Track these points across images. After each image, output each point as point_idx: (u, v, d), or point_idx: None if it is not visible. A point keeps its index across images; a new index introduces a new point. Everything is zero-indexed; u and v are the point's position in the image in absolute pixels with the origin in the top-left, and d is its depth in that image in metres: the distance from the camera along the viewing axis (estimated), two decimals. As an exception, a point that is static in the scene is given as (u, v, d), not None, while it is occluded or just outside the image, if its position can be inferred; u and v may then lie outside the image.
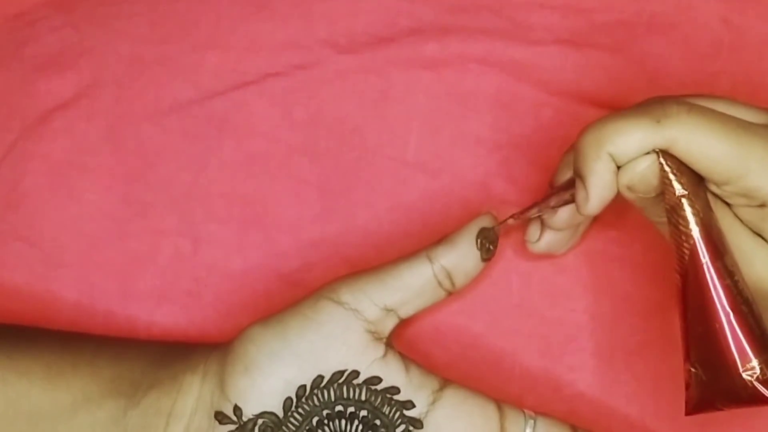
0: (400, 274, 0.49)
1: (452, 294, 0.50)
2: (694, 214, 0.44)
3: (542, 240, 0.53)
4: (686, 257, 0.44)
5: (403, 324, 0.51)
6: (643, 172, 0.45)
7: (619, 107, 0.55)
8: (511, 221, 0.51)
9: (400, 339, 0.53)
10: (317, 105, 0.57)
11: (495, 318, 0.55)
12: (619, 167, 0.45)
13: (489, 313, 0.55)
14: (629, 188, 0.46)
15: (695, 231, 0.44)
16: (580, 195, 0.46)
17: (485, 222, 0.50)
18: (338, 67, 0.57)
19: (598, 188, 0.46)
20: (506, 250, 0.55)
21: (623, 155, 0.45)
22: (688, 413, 0.45)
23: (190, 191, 0.56)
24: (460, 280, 0.50)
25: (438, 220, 0.56)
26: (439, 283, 0.49)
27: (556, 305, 0.55)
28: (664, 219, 0.46)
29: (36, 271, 0.56)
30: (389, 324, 0.50)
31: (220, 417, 0.48)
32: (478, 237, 0.50)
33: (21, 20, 0.58)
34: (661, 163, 0.44)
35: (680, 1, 0.57)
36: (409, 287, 0.49)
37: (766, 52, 0.56)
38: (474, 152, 0.56)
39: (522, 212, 0.51)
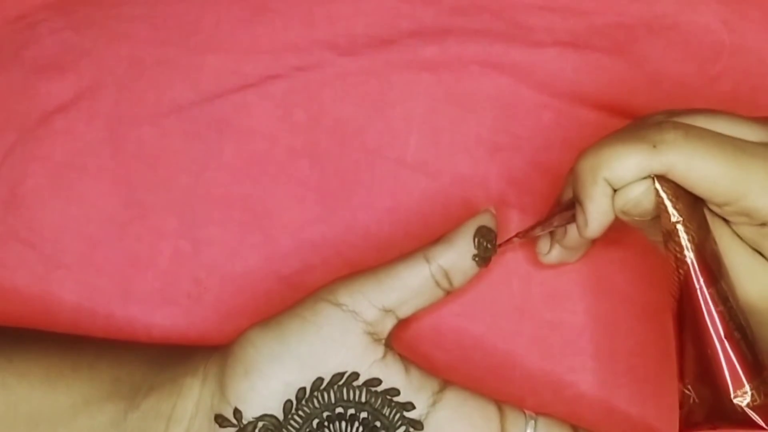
0: (397, 274, 0.49)
1: (450, 293, 0.50)
2: (689, 241, 0.45)
3: (553, 252, 0.53)
4: (681, 281, 0.45)
5: (403, 325, 0.51)
6: (638, 197, 0.45)
7: (618, 109, 0.55)
8: (516, 240, 0.51)
9: (401, 341, 0.53)
10: (317, 107, 0.57)
11: (495, 320, 0.55)
12: (615, 191, 0.46)
13: (489, 316, 0.55)
14: (624, 212, 0.46)
15: (689, 257, 0.44)
16: (579, 219, 0.47)
17: (483, 221, 0.50)
18: (338, 69, 0.57)
19: (596, 213, 0.46)
20: (506, 253, 0.55)
21: (619, 180, 0.45)
22: (681, 431, 0.46)
23: (190, 193, 0.56)
24: (457, 280, 0.50)
25: (438, 221, 0.56)
26: (437, 283, 0.49)
27: (557, 307, 0.55)
28: (657, 240, 0.46)
29: (36, 272, 0.56)
30: (388, 325, 0.50)
31: (220, 420, 0.48)
32: (475, 236, 0.50)
33: (21, 23, 0.58)
34: (656, 189, 0.45)
35: (681, 3, 0.57)
36: (406, 287, 0.49)
37: (767, 54, 0.56)
38: (474, 154, 0.56)
39: (526, 232, 0.51)
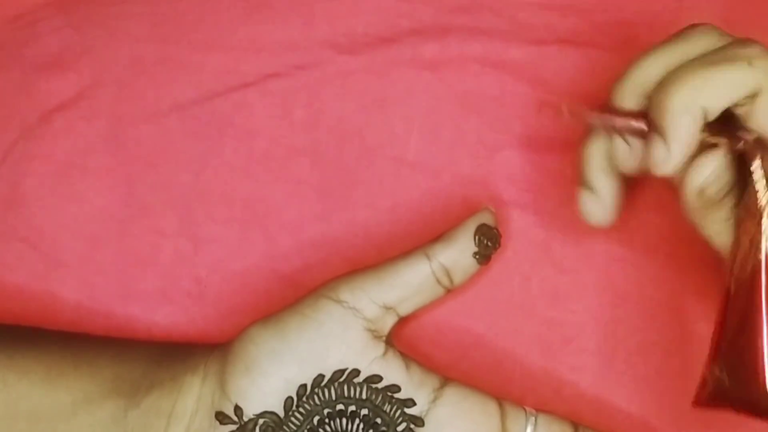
0: (398, 271, 0.49)
1: (451, 291, 0.50)
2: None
3: (595, 209, 0.49)
4: (747, 270, 0.43)
5: (404, 324, 0.51)
6: (721, 171, 0.44)
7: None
8: (565, 111, 0.47)
9: (401, 340, 0.53)
10: (318, 105, 0.57)
11: (496, 319, 0.55)
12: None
13: (490, 314, 0.55)
14: (701, 189, 0.44)
15: (765, 249, 0.43)
16: (658, 151, 0.44)
17: (483, 219, 0.50)
18: (339, 68, 0.57)
19: (683, 146, 0.44)
20: (507, 251, 0.55)
21: (717, 106, 0.43)
22: (696, 405, 0.45)
23: (190, 192, 0.56)
24: (458, 277, 0.50)
25: (439, 220, 0.55)
26: (438, 281, 0.50)
27: (557, 306, 0.55)
28: (717, 229, 0.45)
29: (36, 271, 0.56)
30: (389, 322, 0.50)
31: (221, 417, 0.48)
32: (476, 234, 0.50)
33: (21, 21, 0.58)
34: (753, 167, 0.43)
35: (681, 0, 0.57)
36: (407, 285, 0.49)
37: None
38: (474, 152, 0.56)
39: (580, 110, 0.47)
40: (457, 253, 0.50)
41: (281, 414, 0.48)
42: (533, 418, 0.50)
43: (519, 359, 0.55)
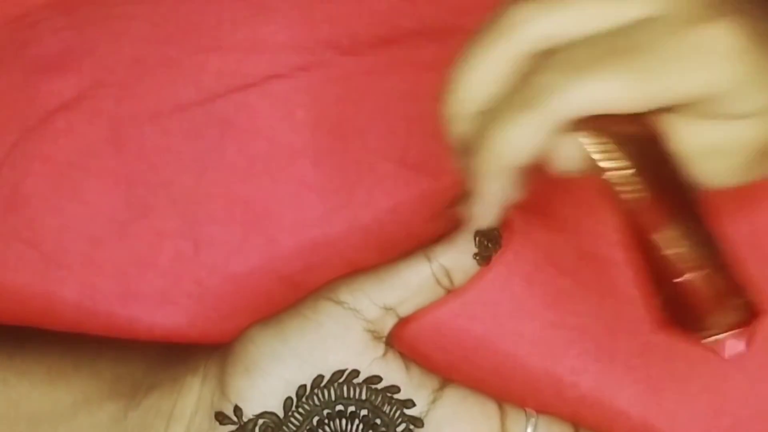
0: (398, 272, 0.49)
1: (451, 292, 0.50)
2: (628, 192, 0.41)
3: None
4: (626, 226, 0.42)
5: (404, 324, 0.51)
6: (568, 161, 0.42)
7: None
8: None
9: (402, 341, 0.53)
10: (319, 106, 0.57)
11: (497, 320, 0.55)
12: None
13: (490, 316, 0.55)
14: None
15: (627, 207, 0.42)
16: (469, 216, 0.45)
17: (484, 219, 0.50)
18: (340, 69, 0.57)
19: (492, 206, 0.44)
20: (508, 253, 0.55)
21: (528, 154, 0.41)
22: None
23: (191, 193, 0.56)
24: (458, 278, 0.50)
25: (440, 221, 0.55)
26: (438, 282, 0.49)
27: (558, 308, 0.55)
28: None
29: (37, 272, 0.56)
30: (388, 323, 0.50)
31: (221, 417, 0.48)
32: (476, 235, 0.50)
33: (22, 22, 0.58)
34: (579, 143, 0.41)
35: None
36: (407, 286, 0.49)
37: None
38: (476, 154, 0.56)
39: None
40: (458, 254, 0.50)
41: (281, 414, 0.48)
42: (533, 420, 0.50)
43: (520, 361, 0.55)
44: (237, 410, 0.48)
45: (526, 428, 0.50)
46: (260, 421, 0.48)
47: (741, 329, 0.40)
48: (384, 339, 0.50)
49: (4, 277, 0.56)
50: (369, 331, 0.49)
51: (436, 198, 0.56)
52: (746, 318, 0.40)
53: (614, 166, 0.41)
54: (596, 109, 0.40)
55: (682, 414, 0.53)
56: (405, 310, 0.50)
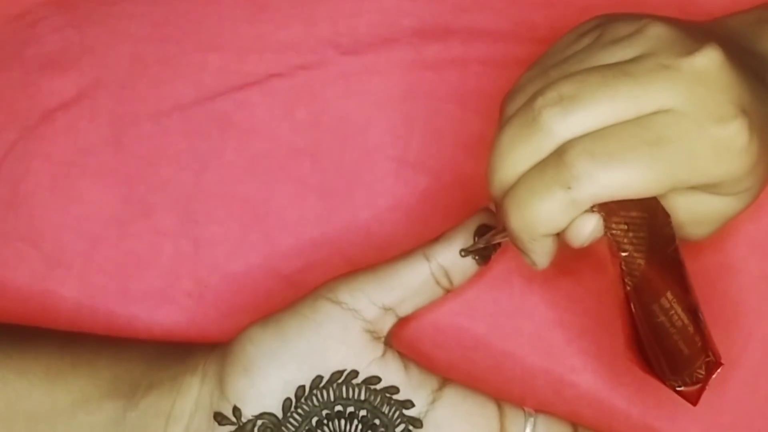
0: (397, 272, 0.49)
1: (450, 291, 0.50)
2: (629, 275, 0.45)
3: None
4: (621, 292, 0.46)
5: (403, 324, 0.51)
6: (587, 236, 0.45)
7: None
8: (462, 254, 0.50)
9: (401, 340, 0.53)
10: (319, 105, 0.57)
11: (496, 319, 0.55)
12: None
13: (490, 315, 0.55)
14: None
15: (629, 285, 0.45)
16: (527, 259, 0.46)
17: (483, 219, 0.50)
18: (340, 68, 0.57)
19: (543, 257, 0.46)
20: (507, 252, 0.55)
21: (556, 229, 0.44)
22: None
23: (191, 192, 0.56)
24: (457, 278, 0.50)
25: (439, 220, 0.55)
26: (437, 281, 0.49)
27: (558, 306, 0.55)
28: None
29: (37, 271, 0.56)
30: (388, 323, 0.50)
31: (220, 418, 0.48)
32: (475, 234, 0.50)
33: (22, 20, 0.58)
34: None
35: (683, -3, 0.57)
36: (406, 286, 0.49)
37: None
38: (476, 153, 0.56)
39: (469, 248, 0.50)
40: (457, 254, 0.50)
41: (280, 415, 0.48)
42: (532, 419, 0.50)
43: (519, 360, 0.55)
44: (236, 411, 0.48)
45: (525, 428, 0.50)
46: (259, 422, 0.48)
47: (705, 381, 0.45)
48: (383, 339, 0.49)
49: (4, 275, 0.56)
50: (368, 331, 0.49)
51: (435, 197, 0.56)
52: (711, 372, 0.45)
53: (624, 241, 0.45)
54: (623, 195, 0.43)
55: (682, 414, 0.53)
56: (404, 310, 0.50)
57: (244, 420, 0.48)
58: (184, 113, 0.57)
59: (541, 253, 0.45)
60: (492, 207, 0.51)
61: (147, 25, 0.57)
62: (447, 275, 0.49)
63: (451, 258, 0.49)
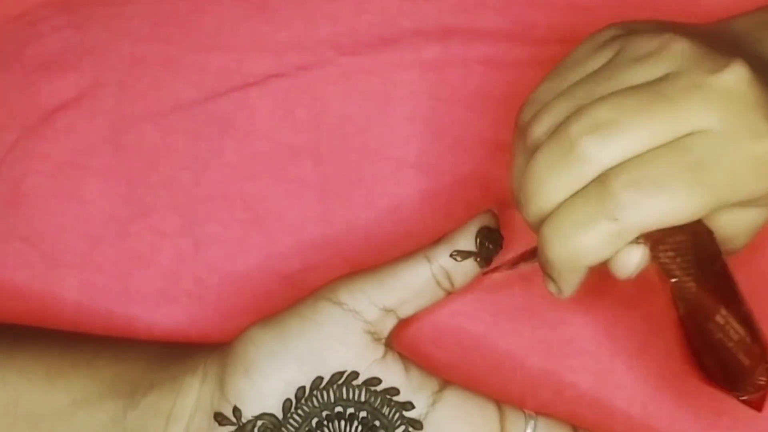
0: (398, 274, 0.49)
1: (452, 293, 0.50)
2: (680, 299, 0.46)
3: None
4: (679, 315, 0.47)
5: (404, 325, 0.51)
6: (634, 268, 0.44)
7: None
8: (458, 258, 0.50)
9: (401, 340, 0.53)
10: (319, 106, 0.57)
11: (496, 320, 0.55)
12: None
13: (490, 315, 0.55)
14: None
15: (681, 309, 0.46)
16: (551, 287, 0.46)
17: (485, 221, 0.50)
18: (341, 68, 0.57)
19: (572, 287, 0.45)
20: (508, 253, 0.55)
21: (599, 261, 0.44)
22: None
23: (191, 192, 0.56)
24: (459, 280, 0.50)
25: (440, 221, 0.55)
26: (438, 283, 0.49)
27: (558, 307, 0.55)
28: None
29: (37, 271, 0.56)
30: (388, 324, 0.50)
31: (220, 418, 0.48)
32: (477, 236, 0.50)
33: (22, 20, 0.58)
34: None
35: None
36: (408, 287, 0.49)
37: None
38: (476, 153, 0.56)
39: (491, 270, 0.51)
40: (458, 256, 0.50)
41: (280, 416, 0.48)
42: (533, 422, 0.50)
43: (519, 360, 0.55)
44: (236, 411, 0.48)
45: (525, 430, 0.50)
46: (259, 423, 0.48)
47: (767, 385, 0.46)
48: (384, 340, 0.50)
49: (4, 275, 0.56)
50: (369, 332, 0.49)
51: (436, 198, 0.56)
52: None
53: (673, 268, 0.45)
54: (670, 222, 0.43)
55: (682, 414, 0.53)
56: (405, 312, 0.50)
57: (244, 420, 0.48)
58: (184, 113, 0.57)
59: (572, 284, 0.45)
60: (495, 209, 0.51)
61: (147, 26, 0.57)
62: (448, 277, 0.49)
63: (452, 260, 0.49)
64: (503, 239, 0.51)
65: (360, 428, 0.49)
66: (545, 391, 0.54)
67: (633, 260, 0.44)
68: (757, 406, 0.46)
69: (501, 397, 0.51)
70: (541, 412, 0.51)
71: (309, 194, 0.56)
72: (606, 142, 0.42)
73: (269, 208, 0.56)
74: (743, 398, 0.46)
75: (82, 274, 0.56)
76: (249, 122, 0.57)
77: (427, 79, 0.57)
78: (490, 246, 0.50)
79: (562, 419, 0.51)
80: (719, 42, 0.46)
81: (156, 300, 0.56)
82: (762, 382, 0.46)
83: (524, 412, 0.50)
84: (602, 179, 0.43)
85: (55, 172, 0.56)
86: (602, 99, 0.43)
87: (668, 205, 0.42)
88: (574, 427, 0.50)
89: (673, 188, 0.42)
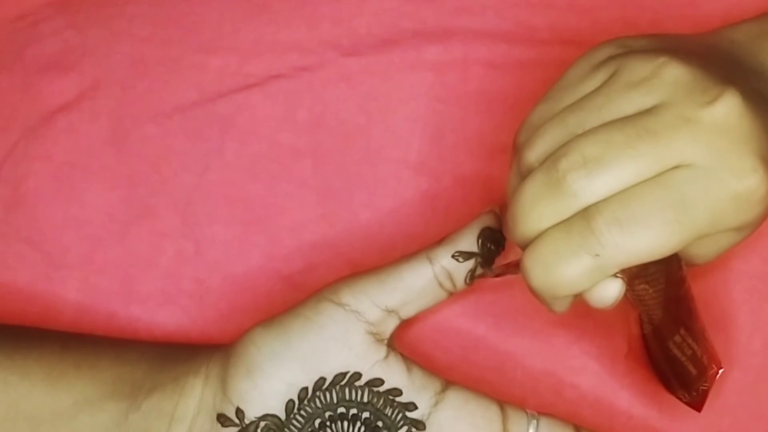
0: (400, 275, 0.49)
1: (453, 294, 0.50)
2: (647, 321, 0.49)
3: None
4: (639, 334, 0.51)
5: (405, 326, 0.51)
6: (609, 299, 0.45)
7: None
8: (460, 259, 0.50)
9: (403, 341, 0.53)
10: (320, 107, 0.57)
11: (497, 320, 0.55)
12: None
13: (491, 316, 0.55)
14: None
15: (646, 330, 0.50)
16: (544, 305, 0.47)
17: (487, 222, 0.50)
18: (341, 69, 0.57)
19: (560, 308, 0.46)
20: (508, 254, 0.55)
21: (579, 291, 0.44)
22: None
23: (192, 193, 0.56)
24: (461, 281, 0.50)
25: (440, 222, 0.55)
26: (440, 284, 0.49)
27: (559, 308, 0.55)
28: None
29: (38, 272, 0.56)
30: (390, 325, 0.50)
31: (223, 419, 0.48)
32: (479, 237, 0.50)
33: (23, 22, 0.58)
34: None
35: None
36: (410, 288, 0.49)
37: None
38: (477, 154, 0.56)
39: (477, 276, 0.51)
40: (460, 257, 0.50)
41: (283, 417, 0.48)
42: (535, 422, 0.50)
43: (520, 361, 0.55)
44: (239, 412, 0.48)
45: (527, 430, 0.50)
46: (262, 424, 0.48)
47: (708, 389, 0.48)
48: (386, 341, 0.50)
49: (5, 276, 0.56)
50: (371, 333, 0.49)
51: (436, 199, 0.56)
52: (713, 380, 0.48)
53: (645, 298, 0.48)
54: (649, 259, 0.43)
55: (682, 414, 0.53)
56: (407, 313, 0.50)
57: (246, 422, 0.48)
58: (185, 114, 0.57)
59: (559, 306, 0.46)
60: (496, 210, 0.51)
61: (148, 27, 0.57)
62: (450, 278, 0.49)
63: (454, 261, 0.49)
64: (505, 240, 0.51)
65: (363, 429, 0.49)
66: (546, 392, 0.55)
67: (611, 293, 0.44)
68: (698, 408, 0.49)
69: (502, 397, 0.51)
70: (543, 412, 0.51)
71: (310, 195, 0.56)
72: (592, 179, 0.43)
73: (270, 209, 0.56)
74: (686, 400, 0.49)
75: (84, 274, 0.56)
76: (250, 123, 0.57)
77: (427, 80, 0.57)
78: (492, 247, 0.50)
79: (564, 419, 0.51)
80: (716, 59, 0.46)
81: (157, 301, 0.56)
82: (704, 388, 0.48)
83: (526, 412, 0.50)
84: (586, 214, 0.43)
85: (56, 173, 0.56)
86: (592, 133, 0.44)
87: (649, 244, 0.43)
88: (576, 427, 0.50)
89: (654, 227, 0.43)
